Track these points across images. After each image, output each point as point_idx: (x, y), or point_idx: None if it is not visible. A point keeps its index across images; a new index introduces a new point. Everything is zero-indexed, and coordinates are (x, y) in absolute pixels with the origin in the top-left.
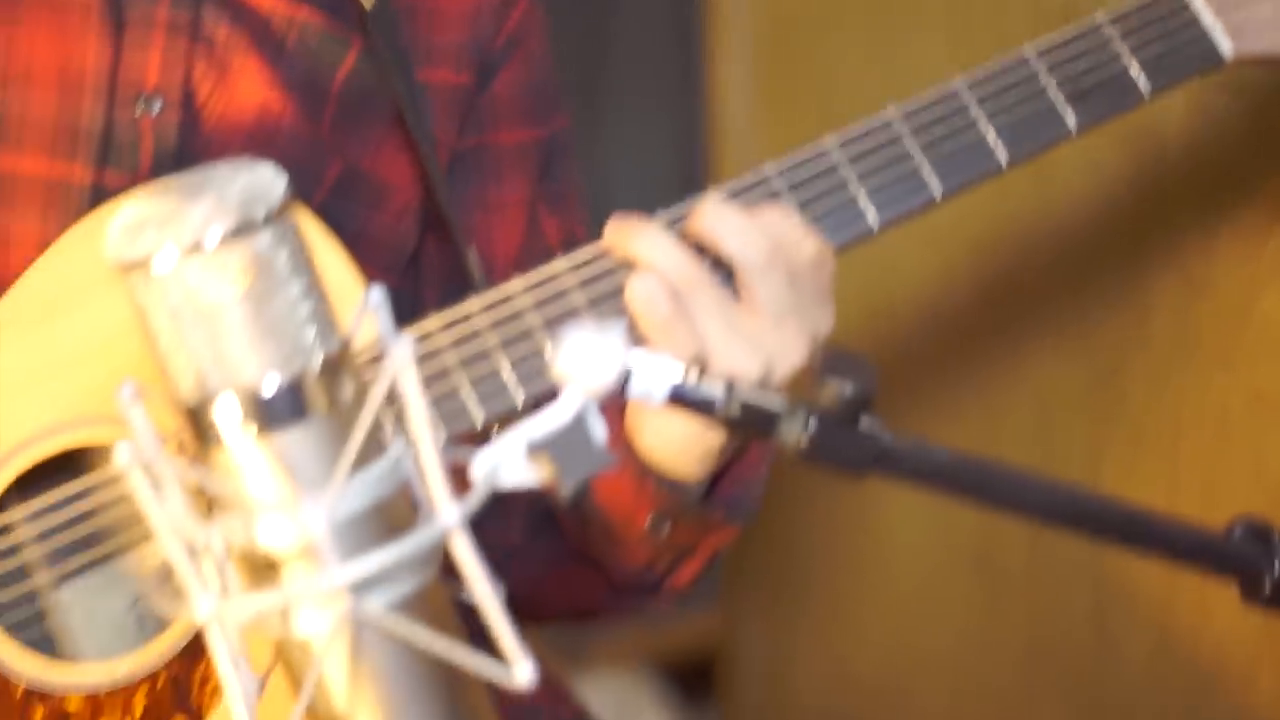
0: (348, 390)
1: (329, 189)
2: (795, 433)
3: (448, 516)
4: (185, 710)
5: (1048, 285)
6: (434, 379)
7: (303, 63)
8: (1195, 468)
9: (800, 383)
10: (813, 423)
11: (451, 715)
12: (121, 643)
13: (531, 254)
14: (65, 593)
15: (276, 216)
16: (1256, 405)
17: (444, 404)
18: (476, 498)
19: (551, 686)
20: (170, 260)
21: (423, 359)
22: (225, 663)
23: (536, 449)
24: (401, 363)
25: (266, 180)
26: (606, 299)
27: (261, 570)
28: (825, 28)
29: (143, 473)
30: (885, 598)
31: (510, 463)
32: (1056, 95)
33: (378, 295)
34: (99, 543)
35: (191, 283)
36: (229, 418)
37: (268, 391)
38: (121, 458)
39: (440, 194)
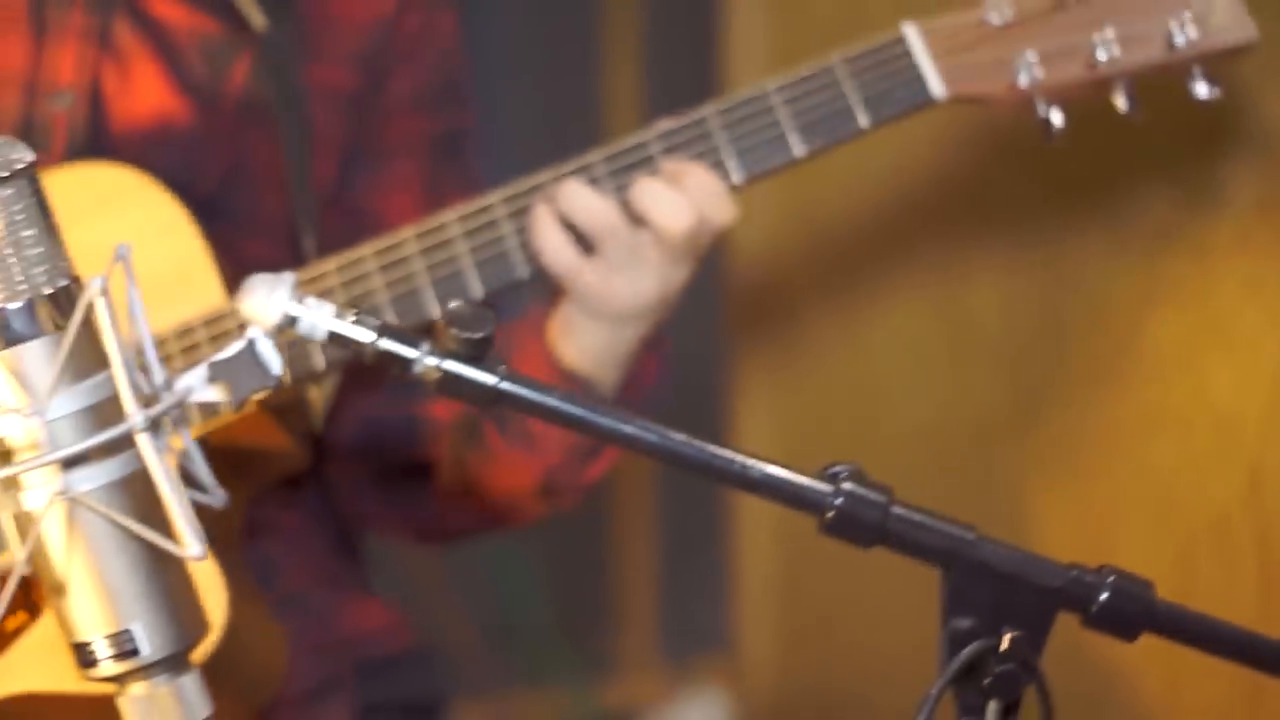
0: (74, 318)
1: (219, 178)
2: (428, 369)
3: (134, 420)
4: (26, 607)
5: (983, 314)
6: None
7: (199, 69)
8: (1094, 477)
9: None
10: (442, 362)
11: (151, 582)
12: None
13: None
14: None
15: (16, 178)
16: (1145, 420)
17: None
18: (162, 408)
19: (396, 618)
20: None
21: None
22: None
23: (216, 372)
24: (93, 296)
25: (13, 151)
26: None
27: (2, 458)
28: None
29: None
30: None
31: (198, 384)
32: (789, 125)
33: (124, 249)
34: None
35: None
36: None
37: (3, 311)
38: None
39: (294, 185)
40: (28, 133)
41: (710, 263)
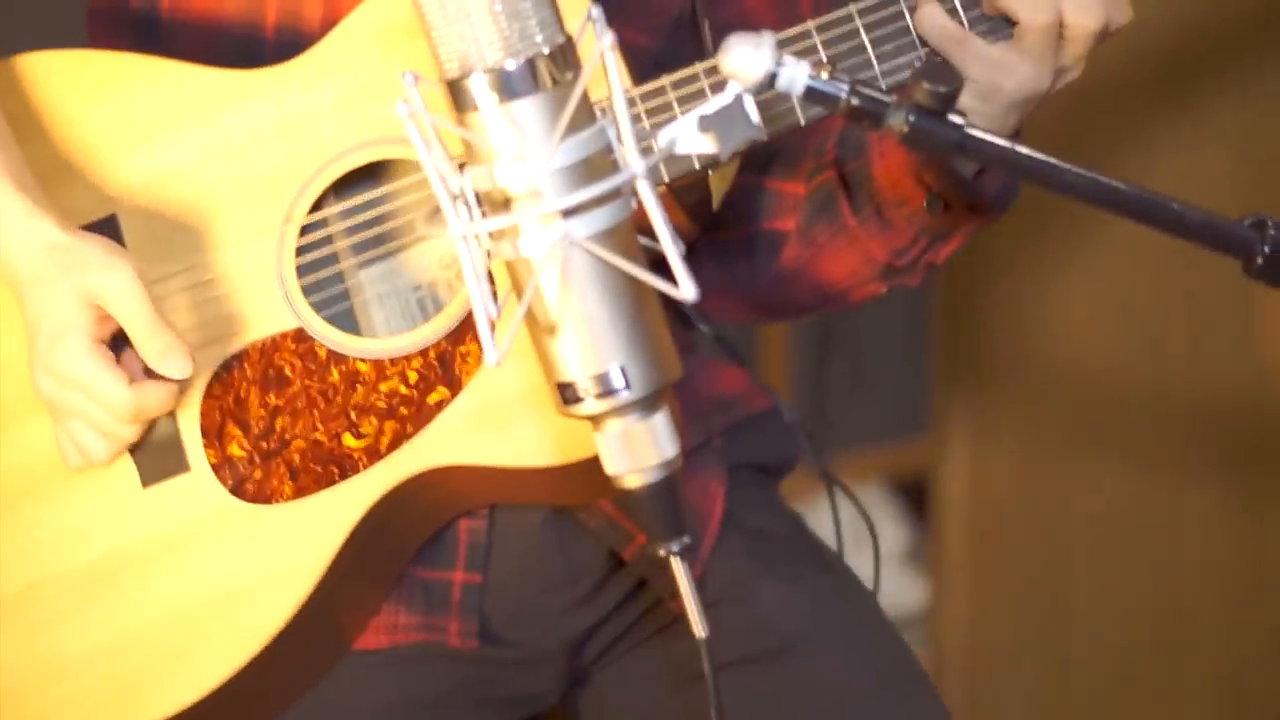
0: (569, 74)
1: None
2: (899, 121)
3: (634, 167)
4: (447, 381)
5: None
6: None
7: None
8: None
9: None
10: (911, 114)
11: (633, 325)
12: (405, 323)
13: (786, 20)
14: (365, 278)
15: None
16: None
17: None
18: (657, 157)
19: (752, 383)
20: None
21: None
22: (470, 271)
23: (705, 125)
24: (606, 48)
25: None
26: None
27: (499, 207)
28: None
29: (417, 127)
30: (1064, 399)
31: (686, 134)
32: None
33: (596, 10)
34: (394, 238)
35: None
36: (480, 90)
37: (508, 70)
38: (400, 111)
39: None
40: None
41: None
